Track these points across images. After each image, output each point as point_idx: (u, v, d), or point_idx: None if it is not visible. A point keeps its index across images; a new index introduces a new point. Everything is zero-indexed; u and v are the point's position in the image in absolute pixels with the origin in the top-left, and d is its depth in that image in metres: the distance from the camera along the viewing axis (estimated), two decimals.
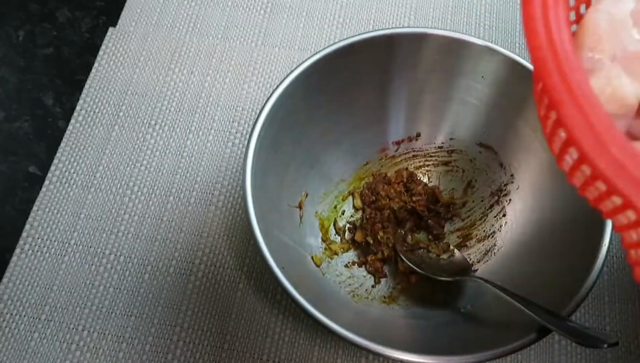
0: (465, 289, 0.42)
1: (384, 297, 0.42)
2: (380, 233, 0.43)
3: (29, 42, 0.54)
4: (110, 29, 0.54)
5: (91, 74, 0.52)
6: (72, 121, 0.49)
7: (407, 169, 0.47)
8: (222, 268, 0.44)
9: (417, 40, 0.42)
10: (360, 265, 0.44)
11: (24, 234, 0.45)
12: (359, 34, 0.41)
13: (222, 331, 0.42)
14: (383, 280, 0.43)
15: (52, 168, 0.47)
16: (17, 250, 0.44)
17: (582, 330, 0.32)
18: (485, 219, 0.45)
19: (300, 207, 0.43)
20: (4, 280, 0.43)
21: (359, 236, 0.44)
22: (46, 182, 0.47)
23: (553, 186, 0.41)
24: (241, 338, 0.42)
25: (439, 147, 0.47)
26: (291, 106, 0.40)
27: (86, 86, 0.51)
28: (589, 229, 0.36)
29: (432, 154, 0.47)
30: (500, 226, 0.44)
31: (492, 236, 0.44)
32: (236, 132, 0.50)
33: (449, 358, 0.32)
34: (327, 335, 0.42)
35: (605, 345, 0.30)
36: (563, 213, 0.40)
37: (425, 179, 0.47)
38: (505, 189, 0.45)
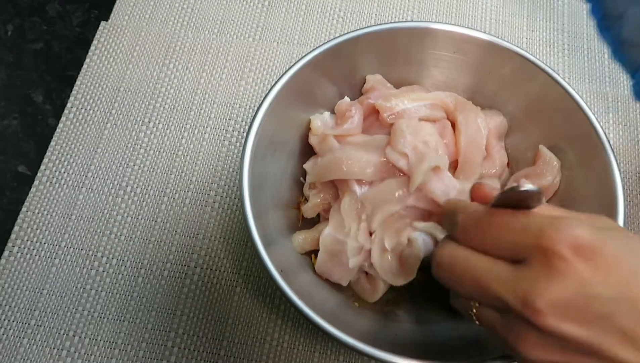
0: None
1: (386, 301, 0.41)
2: None
3: (18, 37, 0.54)
4: (102, 23, 0.54)
5: (82, 70, 0.51)
6: (63, 118, 0.49)
7: None
8: (218, 271, 0.44)
9: (420, 35, 0.42)
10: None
11: (13, 236, 0.44)
12: (360, 29, 0.41)
13: (219, 337, 0.41)
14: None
15: (42, 167, 0.47)
16: (6, 253, 0.44)
17: None
18: None
19: (299, 208, 0.42)
20: None
21: None
22: (36, 182, 0.46)
23: None
24: (238, 344, 0.41)
25: None
26: (289, 103, 0.40)
27: (77, 83, 0.51)
28: None
29: None
30: None
31: None
32: (233, 130, 0.49)
33: None
34: (327, 341, 0.42)
35: None
36: None
37: None
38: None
